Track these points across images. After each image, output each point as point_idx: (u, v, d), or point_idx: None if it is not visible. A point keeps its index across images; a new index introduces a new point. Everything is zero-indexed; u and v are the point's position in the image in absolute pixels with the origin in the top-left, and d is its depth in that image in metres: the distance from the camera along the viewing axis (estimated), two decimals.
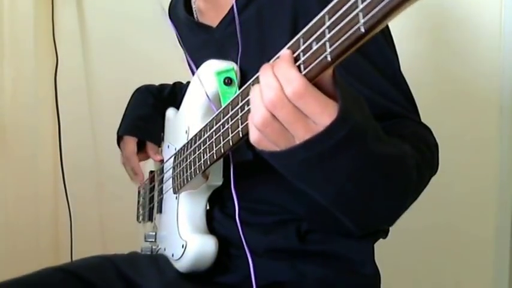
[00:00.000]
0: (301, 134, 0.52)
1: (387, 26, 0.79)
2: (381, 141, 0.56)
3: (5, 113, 1.70)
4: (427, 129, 0.78)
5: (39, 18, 1.80)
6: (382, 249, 0.86)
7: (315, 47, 0.49)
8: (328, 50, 0.47)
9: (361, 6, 0.43)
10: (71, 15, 1.88)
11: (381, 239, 0.86)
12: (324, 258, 0.82)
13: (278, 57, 0.54)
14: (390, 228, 0.86)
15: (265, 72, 0.53)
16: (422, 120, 0.80)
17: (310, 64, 0.50)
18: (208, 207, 0.92)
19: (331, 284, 0.81)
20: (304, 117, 0.51)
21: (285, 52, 0.53)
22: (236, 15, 0.81)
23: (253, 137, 0.56)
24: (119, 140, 1.12)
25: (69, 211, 1.81)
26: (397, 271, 1.19)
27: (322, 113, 0.50)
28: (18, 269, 0.89)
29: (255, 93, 0.54)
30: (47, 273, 0.86)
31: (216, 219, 0.91)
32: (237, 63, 0.83)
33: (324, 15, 0.48)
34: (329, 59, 0.47)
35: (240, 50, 0.82)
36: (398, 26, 0.78)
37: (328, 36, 0.47)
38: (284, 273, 0.82)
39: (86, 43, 1.89)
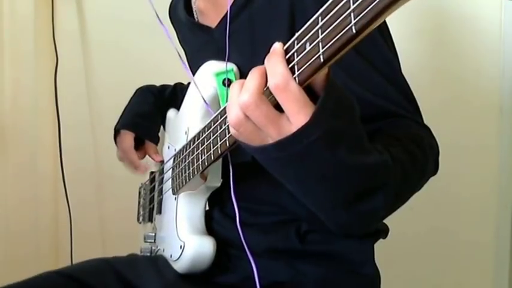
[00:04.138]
0: (274, 135, 0.53)
1: (387, 27, 0.78)
2: (360, 152, 0.56)
3: (5, 113, 1.70)
4: (425, 130, 0.77)
5: (39, 18, 1.80)
6: (382, 250, 0.86)
7: (308, 48, 0.49)
8: (321, 50, 0.47)
9: (352, 7, 0.43)
10: (71, 16, 1.87)
11: (381, 239, 0.86)
12: (324, 259, 0.82)
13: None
14: (390, 229, 0.86)
15: (250, 75, 0.54)
16: None
17: (304, 65, 0.50)
18: (207, 208, 0.92)
19: (331, 284, 0.81)
20: (278, 118, 0.52)
21: (276, 45, 0.53)
22: (228, 17, 0.81)
23: (232, 133, 0.58)
24: (116, 135, 1.11)
25: (69, 212, 1.81)
26: (397, 272, 1.19)
27: (298, 113, 0.51)
28: (18, 270, 0.90)
29: (233, 92, 0.56)
30: (47, 278, 0.86)
31: (215, 219, 0.91)
32: (235, 63, 0.82)
33: (318, 16, 0.48)
34: (322, 59, 0.47)
35: (227, 51, 0.81)
36: (398, 26, 0.79)
37: (321, 36, 0.47)
38: (284, 274, 0.82)
39: (86, 43, 1.89)
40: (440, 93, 1.41)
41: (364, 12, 0.42)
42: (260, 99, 0.52)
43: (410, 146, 0.68)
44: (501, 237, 1.36)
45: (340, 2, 0.44)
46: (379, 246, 0.85)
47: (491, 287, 1.38)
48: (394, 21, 0.70)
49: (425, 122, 0.79)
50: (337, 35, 0.45)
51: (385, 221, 0.83)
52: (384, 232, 0.85)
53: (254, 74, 0.54)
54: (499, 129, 1.35)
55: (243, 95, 0.53)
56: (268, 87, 0.52)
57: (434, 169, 0.75)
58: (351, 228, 0.71)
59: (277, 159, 0.55)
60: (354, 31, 0.43)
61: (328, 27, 0.46)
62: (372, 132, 0.71)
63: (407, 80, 0.79)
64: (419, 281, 1.45)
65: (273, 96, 0.52)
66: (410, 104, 0.77)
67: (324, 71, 0.51)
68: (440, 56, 1.44)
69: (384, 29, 0.78)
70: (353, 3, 0.43)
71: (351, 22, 0.43)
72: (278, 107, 0.52)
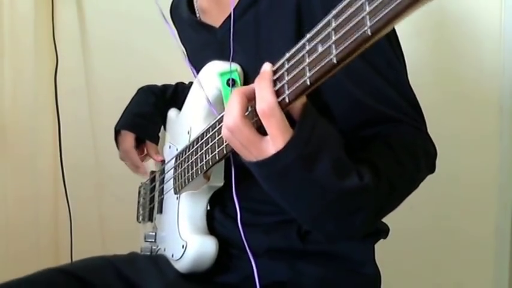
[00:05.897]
0: (255, 154, 0.59)
1: (393, 29, 0.77)
2: (337, 176, 0.58)
3: (5, 113, 1.69)
4: (423, 137, 0.75)
5: (39, 18, 1.80)
6: (382, 249, 0.86)
7: (320, 49, 0.49)
8: (334, 52, 0.47)
9: (368, 9, 0.43)
10: (71, 15, 1.87)
11: (381, 239, 0.86)
12: (325, 258, 0.82)
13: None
14: (391, 229, 0.86)
15: (233, 96, 0.59)
16: None
17: (315, 66, 0.50)
18: (208, 208, 0.92)
19: (332, 284, 0.81)
20: (259, 140, 0.58)
21: (266, 67, 0.58)
22: (232, 18, 0.81)
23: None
24: (116, 135, 1.11)
25: (69, 211, 1.81)
26: (397, 271, 1.19)
27: (277, 137, 0.56)
28: (18, 268, 0.89)
29: (226, 110, 0.61)
30: (47, 274, 0.86)
31: (216, 219, 0.90)
32: (239, 64, 0.82)
33: (330, 19, 0.48)
34: (334, 61, 0.48)
35: (232, 52, 0.81)
36: (398, 25, 0.78)
37: (334, 38, 0.47)
38: (284, 273, 0.82)
39: (86, 43, 1.89)
40: (441, 92, 1.41)
41: (380, 15, 0.42)
42: (242, 123, 0.58)
43: (402, 157, 0.68)
44: (501, 237, 1.36)
45: (354, 4, 0.45)
46: (380, 246, 0.85)
47: (491, 285, 1.38)
48: None
49: (426, 120, 0.77)
50: (351, 36, 0.45)
51: (385, 220, 0.83)
52: (384, 232, 0.85)
53: (237, 97, 0.59)
54: (499, 128, 1.35)
55: (227, 118, 0.59)
56: (254, 108, 0.57)
57: (428, 172, 0.74)
58: (337, 238, 0.75)
59: (257, 174, 0.61)
60: (369, 33, 0.44)
61: (342, 29, 0.46)
62: (370, 137, 0.71)
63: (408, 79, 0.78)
64: (420, 281, 1.45)
65: (259, 119, 0.57)
66: (412, 109, 0.75)
67: (302, 99, 0.56)
68: (441, 54, 1.44)
69: (390, 31, 0.76)
70: (368, 6, 0.43)
71: (365, 24, 0.43)
72: (263, 127, 0.57)
